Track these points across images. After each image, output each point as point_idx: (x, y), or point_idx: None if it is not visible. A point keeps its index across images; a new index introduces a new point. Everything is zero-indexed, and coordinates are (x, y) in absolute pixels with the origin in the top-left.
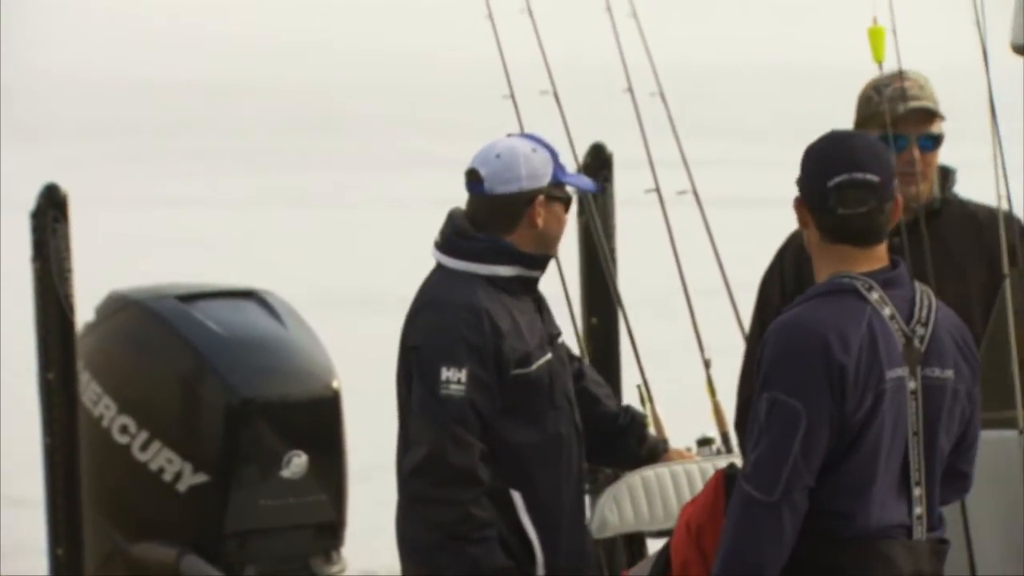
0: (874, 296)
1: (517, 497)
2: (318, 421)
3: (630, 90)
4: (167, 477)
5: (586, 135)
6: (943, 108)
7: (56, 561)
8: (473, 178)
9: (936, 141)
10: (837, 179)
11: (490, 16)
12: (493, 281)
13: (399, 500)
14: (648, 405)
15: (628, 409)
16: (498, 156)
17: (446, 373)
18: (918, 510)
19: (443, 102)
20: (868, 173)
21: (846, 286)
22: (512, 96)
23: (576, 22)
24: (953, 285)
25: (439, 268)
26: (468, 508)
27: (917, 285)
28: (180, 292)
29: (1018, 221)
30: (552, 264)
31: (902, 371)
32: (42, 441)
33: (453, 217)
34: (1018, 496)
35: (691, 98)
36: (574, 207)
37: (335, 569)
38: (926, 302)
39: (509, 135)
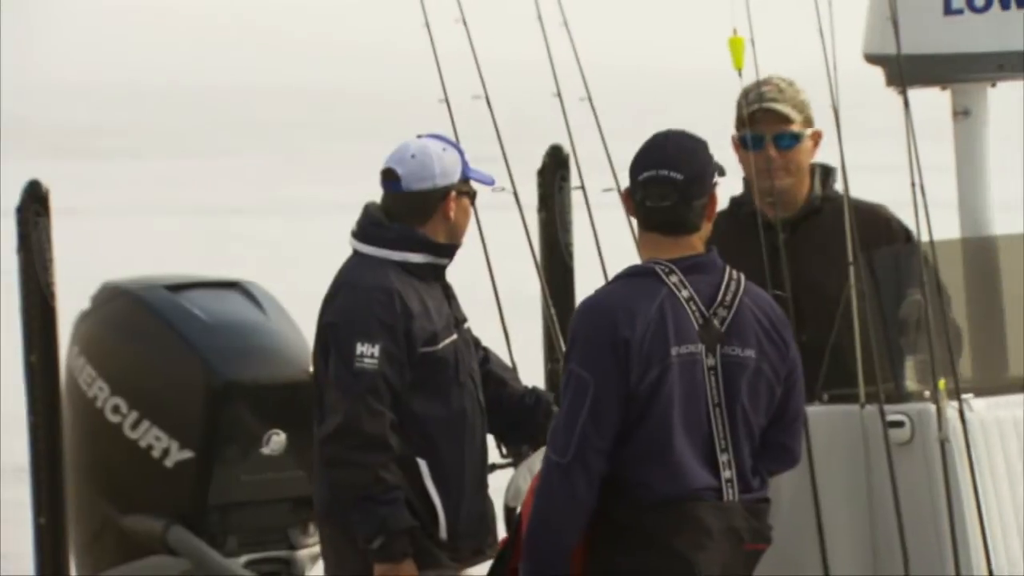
0: (672, 279)
1: (423, 465)
2: (296, 402)
3: (559, 95)
4: (155, 454)
5: (517, 137)
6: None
7: (39, 530)
8: (390, 176)
9: (794, 139)
10: (645, 175)
11: (427, 25)
12: (404, 267)
13: (316, 466)
14: None
15: (534, 389)
16: (413, 156)
17: (360, 348)
18: (727, 474)
19: (380, 105)
20: (672, 171)
21: (647, 270)
22: (446, 100)
23: (509, 31)
24: (833, 276)
25: (355, 255)
26: (378, 472)
27: (728, 271)
28: (169, 282)
29: (896, 220)
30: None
31: (695, 348)
32: (27, 419)
33: (369, 209)
34: (861, 463)
35: (617, 101)
36: (534, 202)
37: (311, 540)
38: (732, 287)
39: (419, 136)
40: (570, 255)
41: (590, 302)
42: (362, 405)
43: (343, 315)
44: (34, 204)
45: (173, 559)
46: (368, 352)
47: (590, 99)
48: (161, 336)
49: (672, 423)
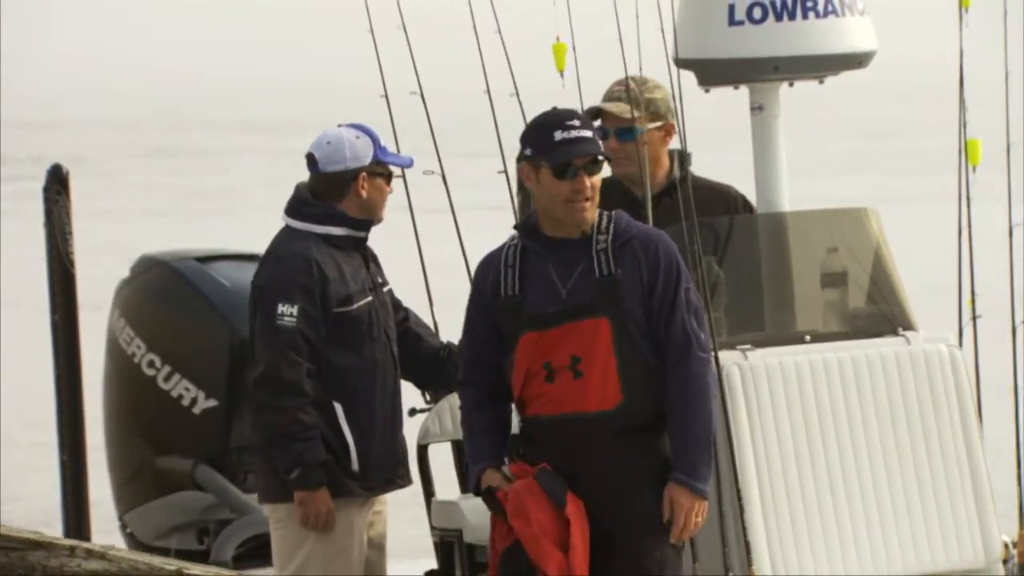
0: None
1: (338, 408)
2: None
3: (488, 92)
4: (185, 402)
5: (449, 130)
6: None
7: (63, 465)
8: (310, 160)
9: (630, 132)
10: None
11: (371, 31)
12: (326, 238)
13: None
14: None
15: (448, 344)
16: (328, 143)
17: (281, 308)
18: None
19: (327, 101)
20: None
21: None
22: (386, 96)
23: (446, 35)
24: None
25: (285, 227)
26: (296, 414)
27: None
28: (198, 254)
29: (741, 197)
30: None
31: None
32: (52, 369)
33: (298, 188)
34: None
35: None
36: (513, 187)
37: None
38: None
39: (339, 125)
40: None
41: (665, 234)
42: (282, 357)
43: (268, 279)
44: (56, 184)
45: (200, 494)
46: (288, 311)
47: (518, 95)
48: (191, 301)
49: None
